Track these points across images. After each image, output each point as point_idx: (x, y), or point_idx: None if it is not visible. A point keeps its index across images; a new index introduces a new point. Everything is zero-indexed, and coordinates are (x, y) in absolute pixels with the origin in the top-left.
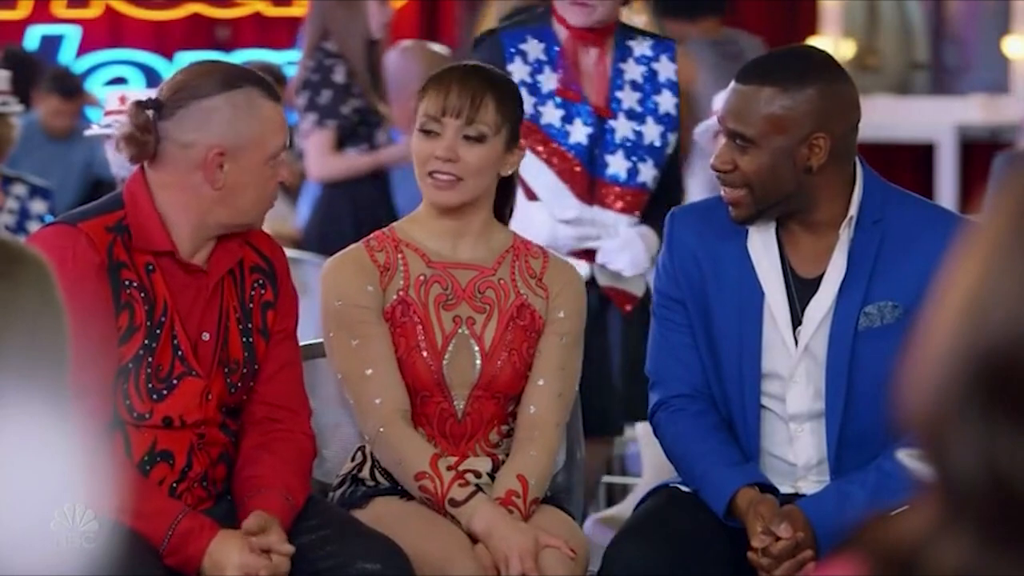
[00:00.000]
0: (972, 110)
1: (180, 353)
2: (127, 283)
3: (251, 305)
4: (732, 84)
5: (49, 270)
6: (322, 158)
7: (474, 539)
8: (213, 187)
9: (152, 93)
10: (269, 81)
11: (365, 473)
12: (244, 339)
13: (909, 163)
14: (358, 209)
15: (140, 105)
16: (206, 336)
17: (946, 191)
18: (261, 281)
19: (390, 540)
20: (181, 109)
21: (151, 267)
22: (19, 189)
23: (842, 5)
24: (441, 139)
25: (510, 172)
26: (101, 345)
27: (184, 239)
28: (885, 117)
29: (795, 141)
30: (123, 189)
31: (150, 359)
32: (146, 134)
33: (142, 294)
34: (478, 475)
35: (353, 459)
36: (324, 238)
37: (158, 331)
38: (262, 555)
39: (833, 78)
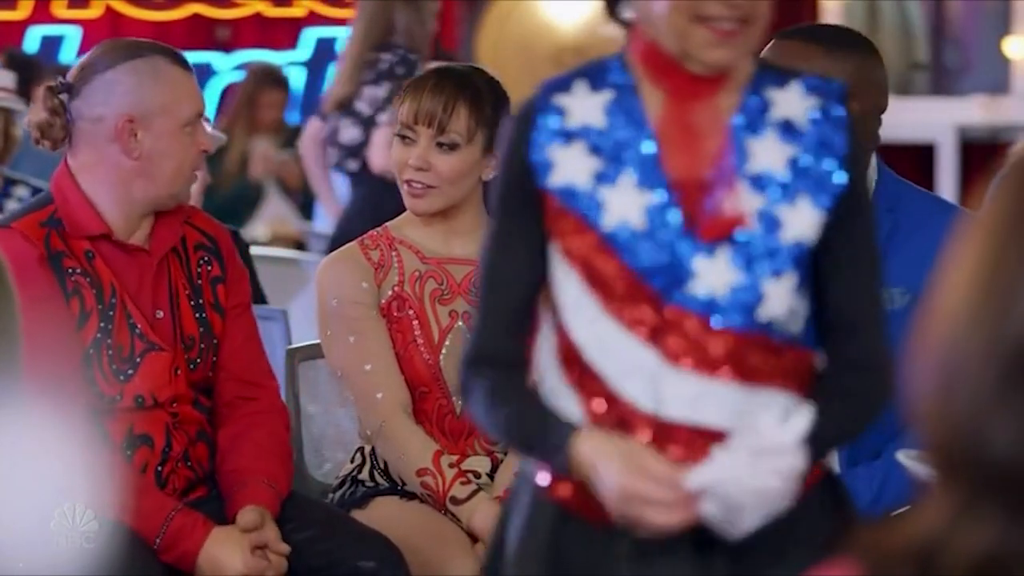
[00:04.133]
0: (972, 110)
1: (138, 331)
2: (70, 271)
3: (199, 281)
4: (774, 40)
5: None
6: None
7: (473, 538)
8: (130, 157)
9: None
10: (175, 50)
11: (364, 474)
12: (197, 315)
13: (909, 163)
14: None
15: (50, 90)
16: (160, 314)
17: (946, 191)
18: (207, 258)
19: (387, 539)
20: (87, 86)
21: (91, 253)
22: (21, 191)
23: (842, 5)
24: (415, 147)
25: (492, 176)
26: (62, 333)
27: (116, 219)
28: (885, 117)
29: None
30: (50, 185)
31: (109, 341)
32: (57, 117)
33: (87, 279)
34: (477, 475)
35: (352, 460)
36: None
37: (111, 313)
38: (260, 554)
39: (875, 60)
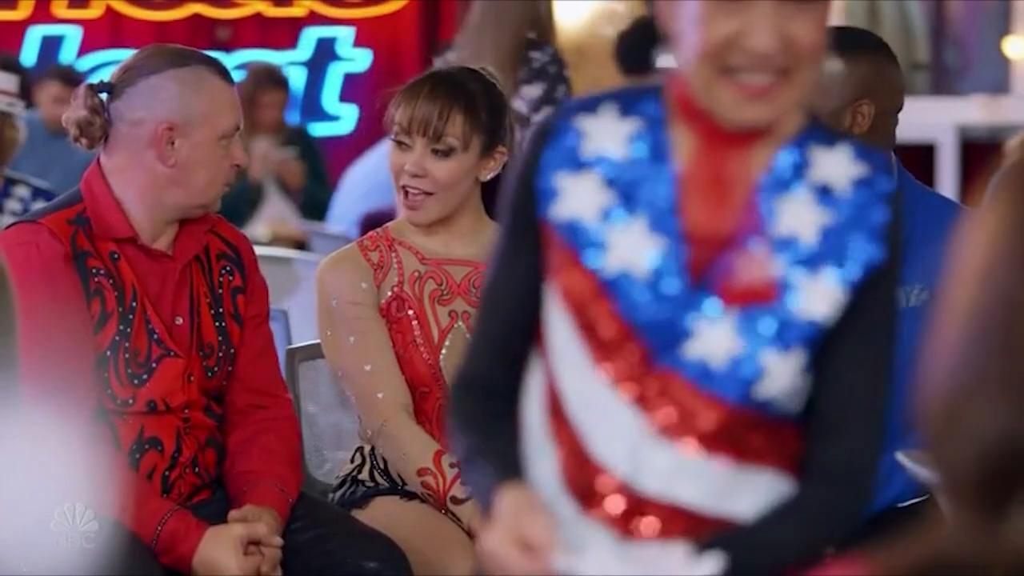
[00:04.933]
0: (972, 110)
1: (156, 336)
2: (94, 271)
3: (220, 291)
4: None
5: None
6: None
7: (474, 538)
8: (165, 164)
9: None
10: (220, 62)
11: (364, 474)
12: (217, 323)
13: (909, 163)
14: None
15: (92, 88)
16: (179, 320)
17: (946, 191)
18: (228, 268)
19: (389, 539)
20: (130, 88)
21: (116, 255)
22: (22, 191)
23: (842, 5)
24: (411, 152)
25: (490, 177)
26: (78, 333)
27: (143, 223)
28: None
29: (843, 104)
30: (80, 183)
31: (126, 344)
32: (97, 116)
33: (110, 281)
34: None
35: (352, 460)
36: None
37: (131, 316)
38: (254, 551)
39: (889, 60)
